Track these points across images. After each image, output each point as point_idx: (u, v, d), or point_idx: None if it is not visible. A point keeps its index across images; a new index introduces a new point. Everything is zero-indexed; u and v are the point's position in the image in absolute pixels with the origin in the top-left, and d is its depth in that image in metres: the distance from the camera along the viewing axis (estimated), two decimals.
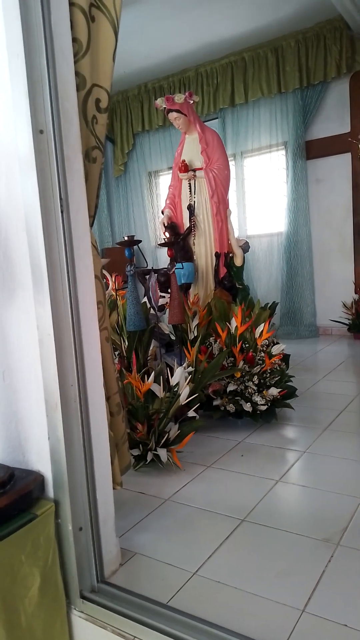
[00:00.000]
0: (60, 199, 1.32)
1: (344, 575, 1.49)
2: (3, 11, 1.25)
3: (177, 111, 3.51)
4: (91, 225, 1.48)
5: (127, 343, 2.87)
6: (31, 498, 1.36)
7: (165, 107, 3.54)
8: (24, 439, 1.46)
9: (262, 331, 2.84)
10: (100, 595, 1.43)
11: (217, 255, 3.58)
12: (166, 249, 3.35)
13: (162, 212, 3.80)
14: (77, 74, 1.36)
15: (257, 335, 2.84)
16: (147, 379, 2.39)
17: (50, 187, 1.30)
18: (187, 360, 2.72)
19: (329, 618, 1.32)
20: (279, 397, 2.78)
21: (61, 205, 1.32)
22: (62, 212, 1.32)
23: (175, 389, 2.44)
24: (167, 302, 3.11)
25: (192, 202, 3.60)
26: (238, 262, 3.66)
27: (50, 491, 1.41)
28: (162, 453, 2.24)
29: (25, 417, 1.45)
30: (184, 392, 2.42)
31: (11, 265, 1.39)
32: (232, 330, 2.86)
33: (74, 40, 1.35)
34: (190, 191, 3.60)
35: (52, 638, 1.35)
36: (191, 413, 2.48)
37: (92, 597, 1.42)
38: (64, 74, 1.31)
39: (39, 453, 1.42)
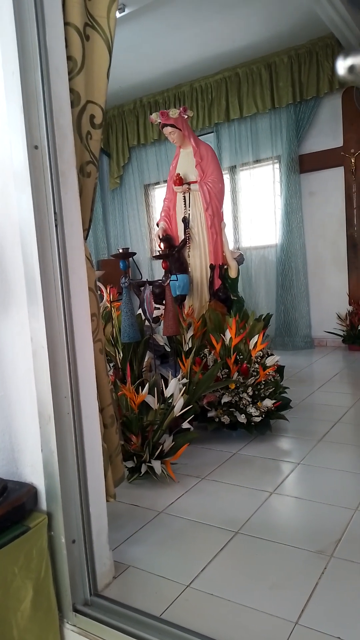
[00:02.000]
0: (55, 213, 1.34)
1: (337, 587, 1.49)
2: None
3: (172, 125, 3.55)
4: (85, 238, 1.50)
5: (121, 355, 2.88)
6: (24, 510, 1.36)
7: (160, 122, 3.59)
8: (18, 451, 1.46)
9: (256, 342, 2.85)
10: (93, 608, 1.43)
11: (212, 267, 3.60)
12: (161, 261, 3.36)
13: (157, 225, 3.83)
14: (71, 90, 1.39)
15: (251, 346, 2.85)
16: (142, 390, 2.39)
17: (44, 201, 1.32)
18: (181, 371, 2.73)
19: (322, 630, 1.32)
20: (273, 408, 2.78)
21: (55, 219, 1.34)
22: (56, 225, 1.34)
23: (170, 401, 2.45)
24: (161, 314, 3.12)
25: (187, 215, 3.63)
26: (232, 274, 3.69)
27: (44, 503, 1.41)
28: (156, 465, 2.24)
29: (18, 430, 1.45)
30: (179, 404, 2.42)
31: (6, 278, 1.40)
32: (227, 342, 2.87)
33: (69, 58, 1.38)
34: (185, 204, 3.64)
35: None
36: (185, 425, 2.48)
37: (85, 611, 1.41)
38: (59, 90, 1.34)
39: (32, 465, 1.42)
